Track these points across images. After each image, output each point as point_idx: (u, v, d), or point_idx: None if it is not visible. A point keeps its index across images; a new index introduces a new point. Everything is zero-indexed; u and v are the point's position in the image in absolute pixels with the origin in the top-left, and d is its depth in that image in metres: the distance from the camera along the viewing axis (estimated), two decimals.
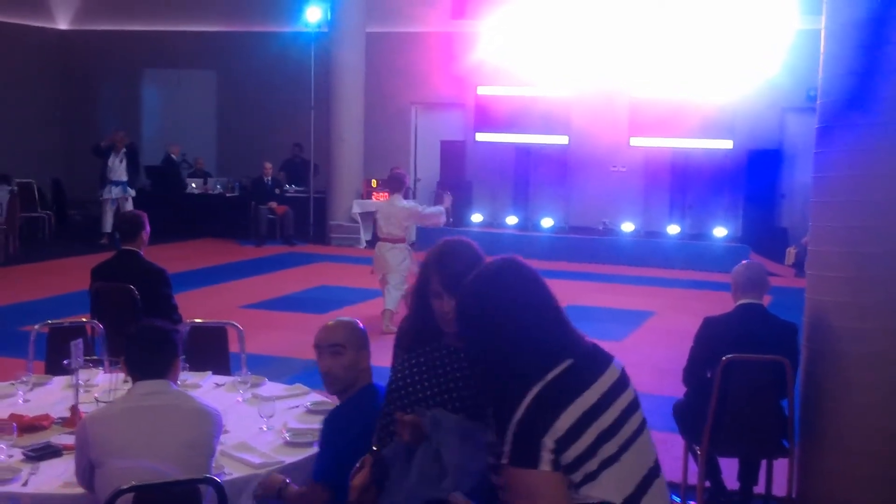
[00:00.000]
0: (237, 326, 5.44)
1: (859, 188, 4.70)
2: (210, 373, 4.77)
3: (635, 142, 15.36)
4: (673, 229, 15.26)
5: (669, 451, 5.74)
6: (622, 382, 2.43)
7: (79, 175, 17.23)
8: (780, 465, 5.05)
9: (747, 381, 4.76)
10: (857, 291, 4.73)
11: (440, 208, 10.13)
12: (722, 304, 5.36)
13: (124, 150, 15.10)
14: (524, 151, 16.24)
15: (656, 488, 2.40)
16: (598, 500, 2.29)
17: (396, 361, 3.33)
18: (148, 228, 6.15)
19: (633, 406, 2.42)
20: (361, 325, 3.57)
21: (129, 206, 15.10)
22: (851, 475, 4.82)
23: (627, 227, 15.48)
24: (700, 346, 4.93)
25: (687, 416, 5.05)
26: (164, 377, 3.21)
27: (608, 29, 15.15)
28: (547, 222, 15.83)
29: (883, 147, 4.63)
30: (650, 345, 9.16)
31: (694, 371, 4.96)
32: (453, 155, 16.63)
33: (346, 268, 13.70)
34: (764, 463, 5.11)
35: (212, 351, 5.27)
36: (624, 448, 2.34)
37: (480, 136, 16.13)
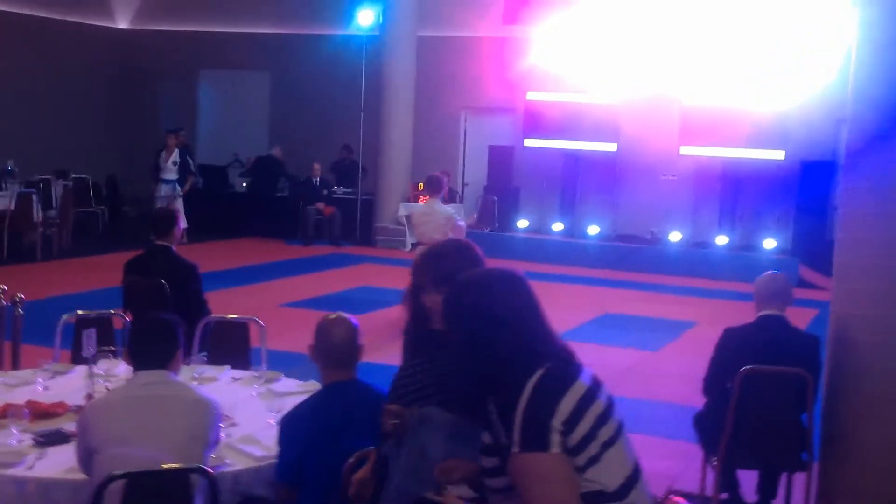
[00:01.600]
0: (259, 322, 5.50)
1: (887, 200, 4.61)
2: (229, 367, 4.84)
3: (685, 150, 15.20)
4: (721, 240, 15.07)
5: (691, 463, 5.69)
6: (598, 382, 2.53)
7: (137, 172, 17.53)
8: (800, 480, 4.96)
9: (766, 393, 4.69)
10: (883, 305, 4.64)
11: (464, 224, 10.03)
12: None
13: (176, 149, 15.35)
14: (572, 158, 16.17)
15: (643, 483, 2.48)
16: (602, 484, 2.37)
17: (403, 362, 3.38)
18: (181, 225, 6.28)
19: (612, 403, 2.51)
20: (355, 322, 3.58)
21: (180, 204, 15.38)
22: (873, 492, 4.73)
23: (675, 236, 15.32)
24: (720, 356, 4.88)
25: (705, 427, 4.99)
26: (165, 367, 3.26)
27: (660, 35, 15.01)
28: (593, 229, 15.74)
29: None
30: (685, 356, 9.04)
31: (713, 382, 4.90)
32: (501, 160, 16.62)
33: (389, 269, 13.76)
34: (784, 477, 5.03)
35: (234, 346, 5.34)
36: (618, 433, 2.45)
37: (529, 142, 16.10)
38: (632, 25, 15.20)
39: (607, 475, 2.38)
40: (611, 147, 15.62)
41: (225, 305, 10.16)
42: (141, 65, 19.58)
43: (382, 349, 8.74)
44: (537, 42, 15.86)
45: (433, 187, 9.54)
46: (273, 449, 3.59)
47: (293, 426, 3.41)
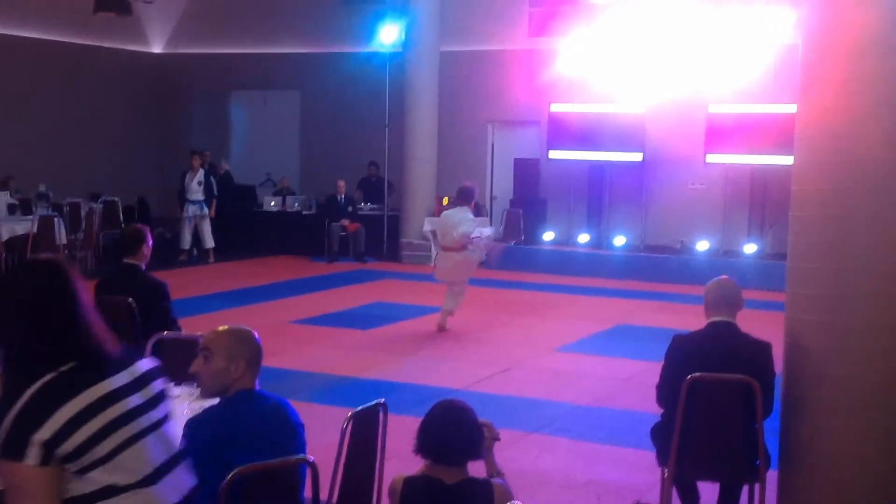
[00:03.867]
0: None
1: (835, 204, 4.45)
2: (171, 384, 4.81)
3: (712, 158, 14.92)
4: (750, 248, 14.76)
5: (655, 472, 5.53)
6: (143, 381, 2.63)
7: (170, 193, 17.80)
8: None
9: (715, 401, 4.55)
10: (837, 311, 4.48)
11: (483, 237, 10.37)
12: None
13: (201, 170, 15.55)
14: (598, 169, 16.00)
15: (180, 472, 2.68)
16: (113, 481, 2.47)
17: None
18: (150, 243, 6.28)
19: (154, 402, 2.63)
20: (256, 336, 3.53)
21: (207, 224, 15.57)
22: (833, 501, 4.55)
23: (703, 245, 15.06)
24: (670, 364, 4.75)
25: (659, 438, 4.86)
26: None
27: (683, 43, 14.80)
28: (620, 240, 15.54)
29: (858, 160, 4.37)
30: None
31: (665, 391, 4.77)
32: (527, 172, 16.51)
33: (410, 285, 13.75)
34: (746, 488, 4.86)
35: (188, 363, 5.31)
36: (145, 432, 2.56)
37: (553, 154, 15.97)
38: (655, 34, 15.02)
39: (120, 474, 2.49)
40: (636, 157, 15.42)
41: (234, 321, 10.28)
42: (174, 88, 19.94)
43: (379, 365, 8.77)
44: (562, 53, 15.76)
45: (466, 196, 9.92)
46: None
47: (191, 432, 3.36)
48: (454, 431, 3.18)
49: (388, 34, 16.20)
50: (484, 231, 10.84)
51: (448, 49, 16.52)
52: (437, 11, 16.35)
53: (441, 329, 10.21)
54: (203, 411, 3.55)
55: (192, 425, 3.43)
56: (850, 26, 4.35)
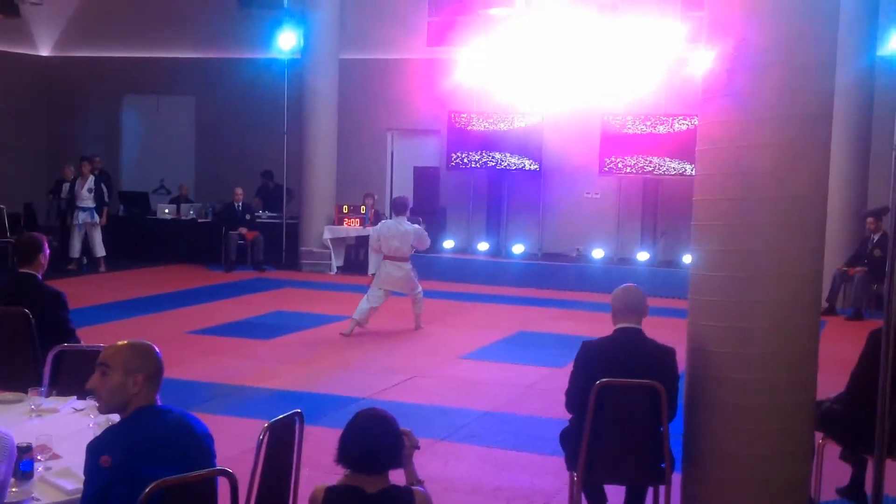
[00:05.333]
0: None
1: (735, 213, 4.60)
2: (74, 397, 4.69)
3: (606, 168, 15.26)
4: (643, 256, 15.15)
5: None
6: None
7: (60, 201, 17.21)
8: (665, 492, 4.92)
9: (623, 406, 4.65)
10: (735, 317, 4.64)
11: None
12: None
13: (92, 176, 15.12)
14: (496, 177, 16.17)
15: None
16: None
17: None
18: (47, 252, 6.07)
19: None
20: (156, 350, 3.44)
21: (97, 232, 15.14)
22: (730, 501, 4.71)
23: (598, 253, 15.39)
24: (579, 370, 4.84)
25: (568, 443, 4.94)
26: None
27: (579, 55, 15.10)
28: (518, 248, 15.75)
29: (756, 171, 4.54)
30: None
31: (574, 396, 4.85)
32: (427, 181, 16.58)
33: (310, 294, 13.64)
34: (651, 491, 4.99)
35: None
36: None
37: (454, 162, 16.07)
38: (552, 45, 15.29)
39: None
40: (534, 166, 15.65)
41: (129, 333, 9.98)
42: (63, 92, 19.34)
43: (282, 375, 8.67)
44: (461, 63, 15.90)
45: (399, 207, 10.60)
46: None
47: (96, 454, 3.27)
48: (377, 440, 3.19)
49: (287, 40, 16.08)
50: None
51: (347, 57, 16.49)
52: (337, 19, 16.31)
53: (348, 334, 10.46)
54: (103, 432, 3.44)
55: (94, 447, 3.32)
56: (753, 46, 4.51)
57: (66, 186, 15.67)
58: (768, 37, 4.49)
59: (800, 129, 4.52)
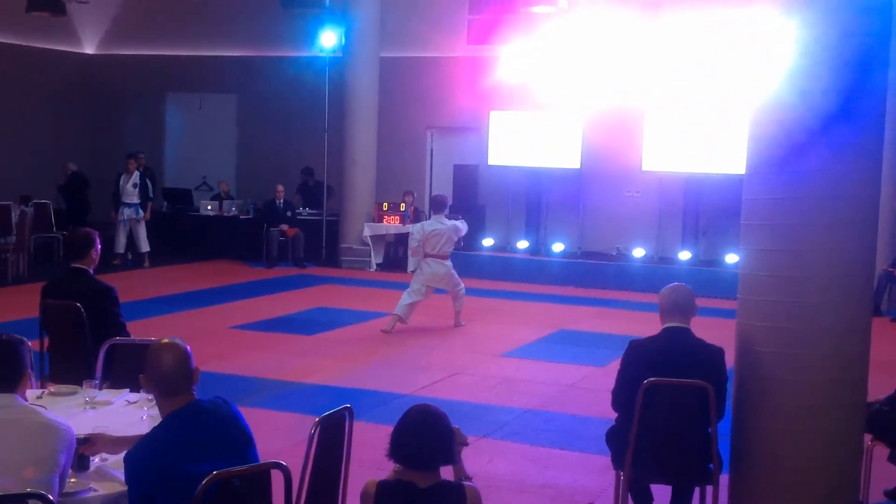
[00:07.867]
0: None
1: (786, 212, 4.58)
2: (127, 390, 4.76)
3: (648, 167, 15.17)
4: (684, 255, 15.05)
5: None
6: None
7: (104, 196, 17.45)
8: (713, 493, 4.90)
9: (670, 406, 4.64)
10: (786, 317, 4.61)
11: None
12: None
13: (137, 172, 15.30)
14: (536, 176, 16.15)
15: None
16: None
17: None
18: (98, 247, 6.18)
19: None
20: (161, 349, 3.41)
21: (142, 227, 15.33)
22: (778, 503, 4.68)
23: (638, 252, 15.32)
24: (626, 370, 4.82)
25: (615, 443, 4.93)
26: (12, 391, 3.20)
27: (621, 53, 15.03)
28: (558, 247, 15.72)
29: (808, 170, 4.51)
30: None
31: (621, 396, 4.84)
32: (466, 179, 16.60)
33: (349, 290, 13.71)
34: (698, 491, 4.97)
35: (142, 369, 5.24)
36: None
37: (493, 160, 16.07)
38: (594, 43, 15.23)
39: None
40: (574, 164, 15.60)
41: (173, 327, 10.17)
42: (108, 89, 19.59)
43: (325, 370, 8.74)
44: (502, 61, 15.88)
45: (438, 205, 10.82)
46: None
47: (136, 465, 3.27)
48: (431, 436, 3.21)
49: (328, 39, 16.15)
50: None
51: (388, 55, 16.54)
52: (377, 17, 16.36)
53: (389, 331, 10.56)
54: (141, 439, 3.45)
55: (135, 458, 3.31)
56: (801, 42, 4.48)
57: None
58: (817, 34, 4.46)
59: (853, 129, 4.48)
